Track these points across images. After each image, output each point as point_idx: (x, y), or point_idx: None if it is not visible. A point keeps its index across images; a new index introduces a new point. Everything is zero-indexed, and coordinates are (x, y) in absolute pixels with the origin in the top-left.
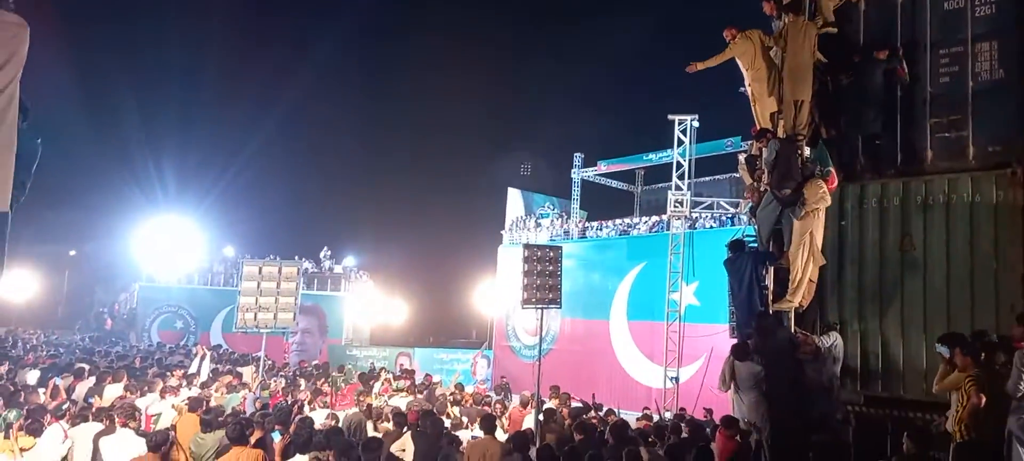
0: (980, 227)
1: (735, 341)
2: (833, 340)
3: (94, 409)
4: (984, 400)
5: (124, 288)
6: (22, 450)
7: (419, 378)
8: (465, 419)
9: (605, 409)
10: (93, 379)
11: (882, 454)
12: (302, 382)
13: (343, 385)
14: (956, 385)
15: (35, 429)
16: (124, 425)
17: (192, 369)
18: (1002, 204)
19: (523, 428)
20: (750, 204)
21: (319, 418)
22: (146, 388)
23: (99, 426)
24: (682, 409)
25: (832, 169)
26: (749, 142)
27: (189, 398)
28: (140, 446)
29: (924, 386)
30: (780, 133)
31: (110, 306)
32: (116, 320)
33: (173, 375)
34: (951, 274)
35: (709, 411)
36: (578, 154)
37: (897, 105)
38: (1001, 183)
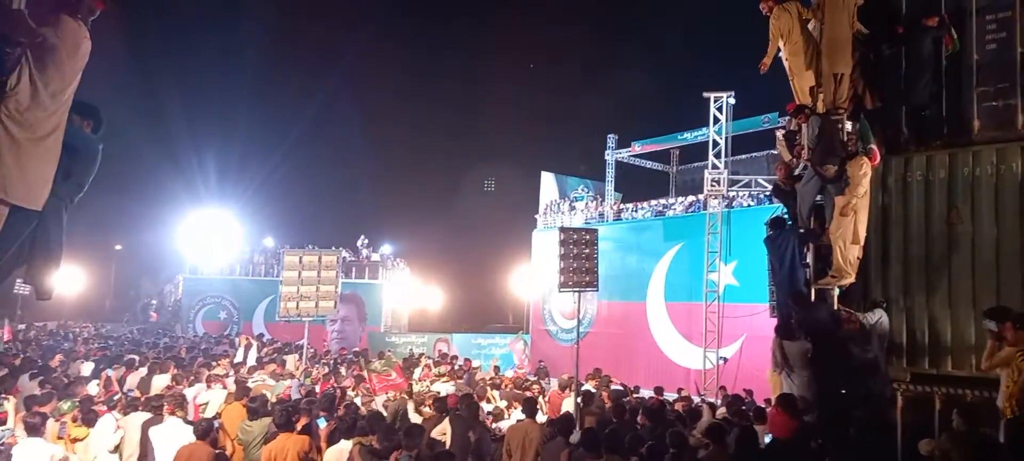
0: None
1: (777, 321)
2: (878, 317)
3: (143, 399)
4: None
5: (169, 280)
6: (74, 440)
7: (457, 363)
8: (503, 404)
9: (649, 393)
10: (144, 369)
11: (930, 431)
12: (342, 369)
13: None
14: (1007, 361)
15: (90, 420)
16: (172, 414)
17: (238, 358)
18: None
19: (562, 411)
20: (775, 182)
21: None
22: (193, 378)
23: (148, 415)
24: (722, 388)
25: (873, 146)
26: (786, 118)
27: (235, 385)
28: (188, 434)
29: (973, 362)
30: (820, 108)
31: (158, 297)
32: (161, 312)
33: (219, 364)
34: (1001, 248)
35: (749, 391)
36: (611, 135)
37: (942, 74)
38: None
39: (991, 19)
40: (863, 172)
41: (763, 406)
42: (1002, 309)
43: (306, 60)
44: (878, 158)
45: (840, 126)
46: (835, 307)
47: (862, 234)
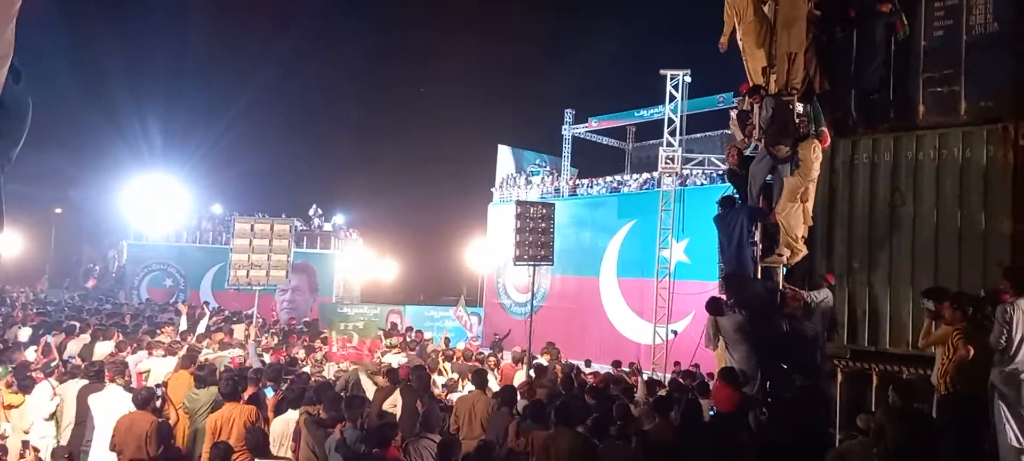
0: (970, 182)
1: (708, 298)
2: (824, 296)
3: (83, 366)
4: (972, 352)
5: (112, 246)
6: (8, 407)
7: (410, 335)
8: (455, 375)
9: (599, 367)
10: (87, 336)
11: (867, 406)
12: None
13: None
14: (943, 339)
15: (25, 386)
16: (112, 381)
17: (183, 326)
18: (992, 160)
19: (514, 384)
20: (728, 167)
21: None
22: (136, 345)
23: (87, 382)
24: (677, 363)
25: (825, 128)
26: (740, 98)
27: (183, 354)
28: (129, 402)
29: (909, 340)
30: (771, 88)
31: (101, 262)
32: (103, 278)
33: (163, 332)
34: (940, 229)
35: (696, 366)
36: (569, 110)
37: (891, 59)
38: (992, 138)
39: (940, 7)
40: (815, 154)
41: (708, 380)
42: (940, 289)
43: (258, 24)
44: (829, 140)
45: (792, 107)
46: (780, 285)
47: (810, 214)
